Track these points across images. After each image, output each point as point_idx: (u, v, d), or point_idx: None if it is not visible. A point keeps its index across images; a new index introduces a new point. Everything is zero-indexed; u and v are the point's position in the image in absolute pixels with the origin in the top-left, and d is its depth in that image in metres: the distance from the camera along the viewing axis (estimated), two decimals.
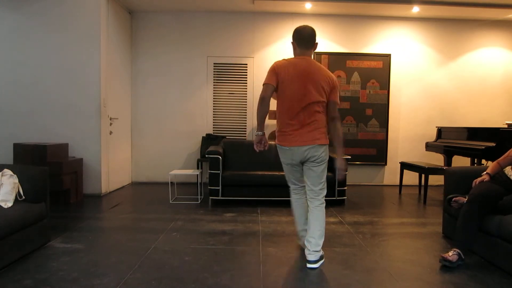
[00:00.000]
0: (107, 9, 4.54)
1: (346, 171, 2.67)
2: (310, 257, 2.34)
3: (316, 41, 2.42)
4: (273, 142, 2.69)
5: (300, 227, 2.62)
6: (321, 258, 2.38)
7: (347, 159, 4.11)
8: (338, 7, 5.13)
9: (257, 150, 2.46)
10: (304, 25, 2.43)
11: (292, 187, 2.63)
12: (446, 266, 2.34)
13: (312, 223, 2.38)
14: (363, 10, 5.23)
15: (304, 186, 2.50)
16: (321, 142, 2.34)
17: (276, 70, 2.32)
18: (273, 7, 5.18)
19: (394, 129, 5.55)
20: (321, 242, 2.38)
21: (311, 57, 2.42)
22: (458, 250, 2.37)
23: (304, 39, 2.38)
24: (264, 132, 2.41)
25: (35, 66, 4.35)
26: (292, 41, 2.45)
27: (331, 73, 2.39)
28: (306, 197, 2.49)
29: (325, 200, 2.44)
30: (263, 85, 2.35)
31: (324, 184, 2.43)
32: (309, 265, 2.33)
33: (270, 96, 2.34)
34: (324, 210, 2.42)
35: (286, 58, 2.42)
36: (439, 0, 4.79)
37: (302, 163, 2.43)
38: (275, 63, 2.37)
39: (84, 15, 4.34)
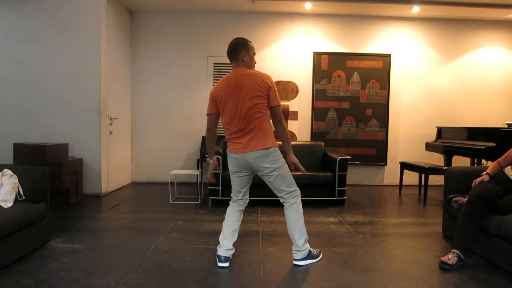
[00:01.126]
0: (107, 9, 4.54)
1: (302, 171, 2.38)
2: (294, 255, 2.40)
3: (245, 49, 2.32)
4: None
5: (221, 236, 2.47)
6: (309, 257, 2.40)
7: (347, 159, 4.13)
8: (338, 7, 5.13)
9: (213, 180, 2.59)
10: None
11: (233, 198, 2.52)
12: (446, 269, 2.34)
13: (287, 225, 2.40)
14: (363, 10, 5.23)
15: (244, 199, 2.49)
16: (264, 146, 2.26)
17: (213, 97, 2.35)
18: (273, 7, 5.18)
19: (394, 129, 5.55)
20: (300, 242, 2.36)
21: (243, 67, 2.33)
22: (457, 251, 2.37)
23: (228, 53, 2.38)
24: (215, 160, 2.52)
25: (35, 66, 4.35)
26: None
27: (265, 77, 2.29)
28: (241, 208, 2.50)
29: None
30: (206, 115, 2.41)
31: (289, 188, 2.36)
32: (294, 262, 2.40)
33: (216, 125, 2.40)
34: (298, 208, 2.37)
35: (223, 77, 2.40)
36: (439, 0, 4.79)
37: (252, 172, 2.39)
38: (212, 90, 2.38)
39: (84, 15, 4.34)
